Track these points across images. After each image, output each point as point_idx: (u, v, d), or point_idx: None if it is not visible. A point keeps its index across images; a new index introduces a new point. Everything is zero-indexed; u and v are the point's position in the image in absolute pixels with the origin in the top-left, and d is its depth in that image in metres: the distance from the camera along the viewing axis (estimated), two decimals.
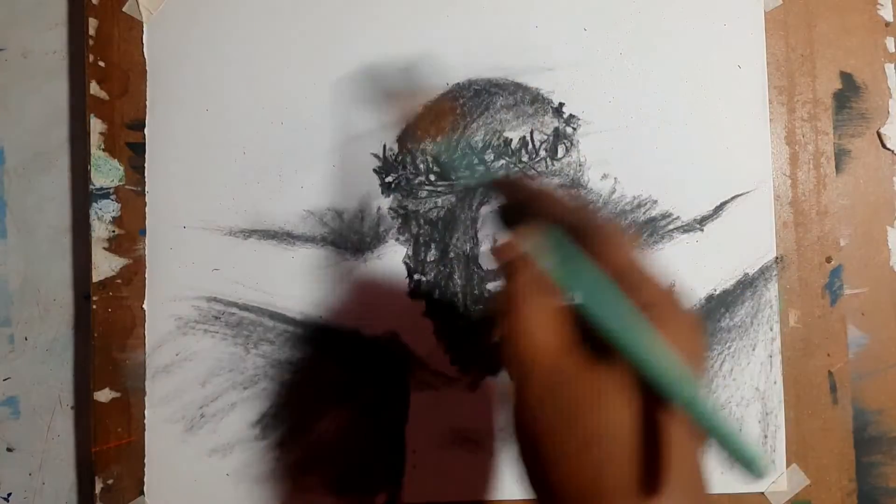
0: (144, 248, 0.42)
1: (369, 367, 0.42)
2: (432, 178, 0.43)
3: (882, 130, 0.44)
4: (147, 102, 0.43)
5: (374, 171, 0.43)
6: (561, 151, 0.43)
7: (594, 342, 0.25)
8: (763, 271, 0.43)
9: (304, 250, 0.43)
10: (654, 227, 0.43)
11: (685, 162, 0.43)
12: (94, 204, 0.42)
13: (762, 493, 0.42)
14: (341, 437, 0.42)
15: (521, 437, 0.25)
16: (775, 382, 0.42)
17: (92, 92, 0.43)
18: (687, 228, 0.43)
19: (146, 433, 0.42)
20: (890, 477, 0.42)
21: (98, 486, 0.42)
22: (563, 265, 0.26)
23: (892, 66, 0.44)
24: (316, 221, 0.43)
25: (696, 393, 0.22)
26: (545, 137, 0.43)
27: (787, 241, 0.43)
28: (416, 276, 0.43)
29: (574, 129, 0.43)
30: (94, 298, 0.42)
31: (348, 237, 0.43)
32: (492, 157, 0.43)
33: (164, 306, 0.42)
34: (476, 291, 0.42)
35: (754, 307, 0.42)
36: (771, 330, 0.42)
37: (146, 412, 0.42)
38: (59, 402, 0.44)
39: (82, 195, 0.44)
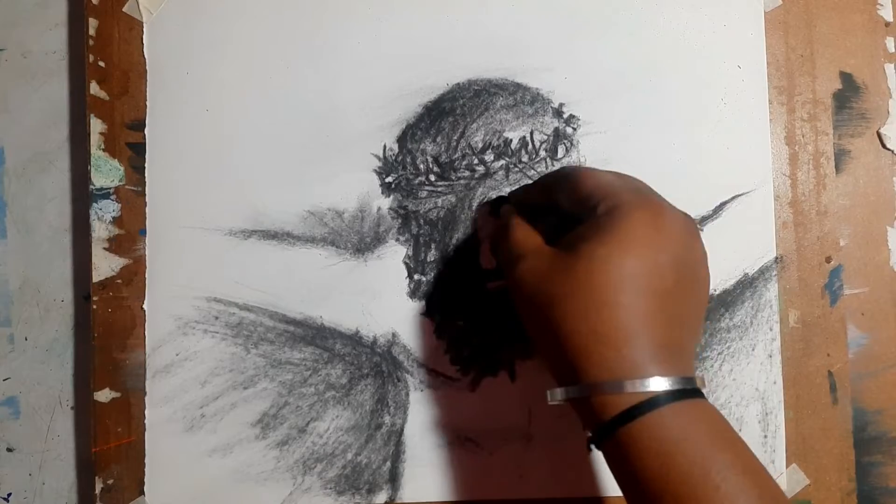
0: (144, 248, 0.42)
1: (369, 367, 0.42)
2: (432, 178, 0.43)
3: (882, 130, 0.44)
4: (147, 102, 0.43)
5: (374, 171, 0.43)
6: (561, 151, 0.43)
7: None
8: (763, 271, 0.43)
9: (304, 250, 0.43)
10: None
11: (685, 162, 0.43)
12: (94, 204, 0.42)
13: None
14: (341, 437, 0.42)
15: (521, 306, 0.35)
16: (775, 382, 0.42)
17: (92, 92, 0.43)
18: None
19: (146, 433, 0.42)
20: (890, 477, 0.42)
21: (98, 486, 0.42)
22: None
23: (892, 66, 0.44)
24: (316, 221, 0.43)
25: None
26: (545, 137, 0.43)
27: (786, 241, 0.43)
28: (416, 276, 0.43)
29: (574, 129, 0.43)
30: (94, 298, 0.42)
31: (348, 237, 0.43)
32: (492, 157, 0.43)
33: (164, 306, 0.42)
34: (476, 291, 0.42)
35: (754, 307, 0.42)
36: (771, 330, 0.42)
37: (146, 412, 0.42)
38: (59, 402, 0.44)
39: (82, 195, 0.44)
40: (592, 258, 0.31)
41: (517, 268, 0.35)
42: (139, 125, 0.43)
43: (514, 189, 0.42)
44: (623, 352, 0.31)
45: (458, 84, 0.43)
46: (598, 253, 0.31)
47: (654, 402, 0.30)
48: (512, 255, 0.36)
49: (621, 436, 0.30)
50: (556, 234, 0.36)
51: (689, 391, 0.31)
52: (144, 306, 0.42)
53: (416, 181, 0.43)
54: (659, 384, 0.30)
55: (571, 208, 0.35)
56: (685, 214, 0.34)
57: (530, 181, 0.42)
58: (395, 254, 0.43)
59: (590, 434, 0.33)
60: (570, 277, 0.32)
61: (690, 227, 0.34)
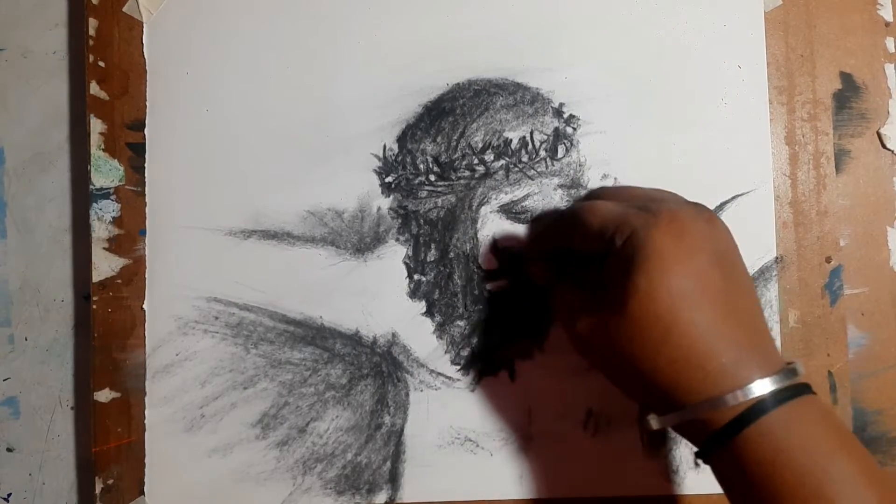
0: (144, 248, 0.42)
1: (369, 367, 0.42)
2: (432, 178, 0.43)
3: (882, 130, 0.44)
4: (147, 102, 0.43)
5: (374, 171, 0.43)
6: (561, 151, 0.43)
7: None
8: (763, 271, 0.43)
9: (304, 250, 0.43)
10: None
11: (685, 162, 0.43)
12: (94, 204, 0.42)
13: None
14: (341, 437, 0.42)
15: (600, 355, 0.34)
16: None
17: (92, 92, 0.43)
18: None
19: (146, 433, 0.42)
20: None
21: (98, 486, 0.42)
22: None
23: (892, 66, 0.44)
24: (316, 221, 0.43)
25: None
26: (545, 137, 0.43)
27: (787, 241, 0.43)
28: (416, 276, 0.43)
29: (574, 129, 0.43)
30: (94, 298, 0.42)
31: (348, 237, 0.43)
32: (492, 157, 0.43)
33: (164, 306, 0.42)
34: (476, 291, 0.42)
35: None
36: (771, 330, 0.42)
37: (146, 412, 0.42)
38: (59, 402, 0.44)
39: (82, 195, 0.44)
40: (635, 292, 0.31)
41: (575, 329, 0.34)
42: (139, 125, 0.43)
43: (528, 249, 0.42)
44: (709, 368, 0.30)
45: (458, 84, 0.43)
46: (639, 285, 0.31)
47: (760, 407, 0.29)
48: (564, 318, 0.36)
49: (732, 449, 0.29)
50: (584, 271, 0.37)
51: (794, 387, 0.30)
52: (144, 306, 0.42)
53: (416, 181, 0.43)
54: (761, 387, 0.29)
55: (588, 247, 0.35)
56: (696, 205, 0.33)
57: (531, 181, 0.42)
58: (395, 254, 0.43)
59: (696, 450, 0.32)
60: (624, 321, 0.31)
61: (707, 215, 0.33)
